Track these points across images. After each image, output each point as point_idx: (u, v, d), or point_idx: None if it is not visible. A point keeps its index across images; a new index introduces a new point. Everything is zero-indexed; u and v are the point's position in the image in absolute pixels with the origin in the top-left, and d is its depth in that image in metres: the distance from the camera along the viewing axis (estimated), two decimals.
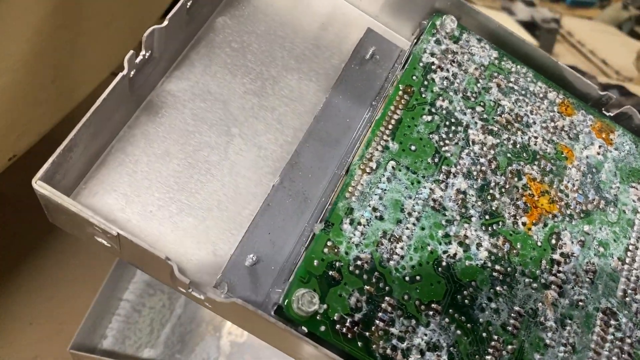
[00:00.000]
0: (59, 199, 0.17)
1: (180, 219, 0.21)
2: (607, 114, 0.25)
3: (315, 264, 0.19)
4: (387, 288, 0.19)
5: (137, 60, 0.20)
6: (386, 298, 0.19)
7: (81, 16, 0.29)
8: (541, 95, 0.24)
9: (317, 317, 0.18)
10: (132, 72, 0.20)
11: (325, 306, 0.18)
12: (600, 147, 0.24)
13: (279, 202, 0.22)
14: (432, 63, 0.23)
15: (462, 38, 0.24)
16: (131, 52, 0.19)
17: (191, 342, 0.36)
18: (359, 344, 0.18)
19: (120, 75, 0.18)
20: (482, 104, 0.23)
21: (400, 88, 0.23)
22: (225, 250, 0.21)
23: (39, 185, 0.16)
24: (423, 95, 0.23)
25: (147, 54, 0.20)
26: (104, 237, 0.18)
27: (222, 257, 0.21)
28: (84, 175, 0.20)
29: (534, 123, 0.24)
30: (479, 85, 0.24)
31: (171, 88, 0.23)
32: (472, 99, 0.23)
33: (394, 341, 0.19)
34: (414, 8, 0.26)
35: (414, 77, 0.23)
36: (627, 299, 0.22)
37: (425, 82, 0.23)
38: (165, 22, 0.20)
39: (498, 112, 0.23)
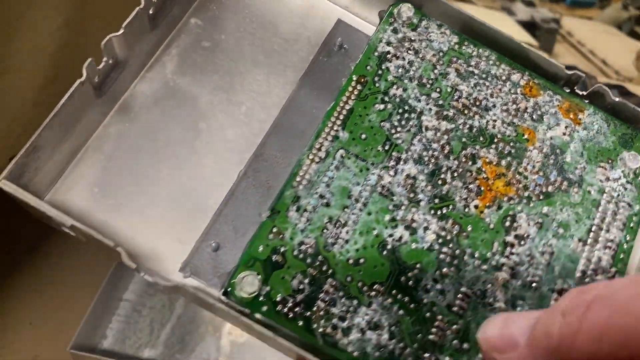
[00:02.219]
0: (21, 195, 0.19)
1: (150, 211, 0.23)
2: (581, 93, 0.25)
3: (260, 249, 0.20)
4: (330, 271, 0.20)
5: (101, 66, 0.21)
6: (329, 280, 0.20)
7: (82, 16, 0.31)
8: (504, 77, 0.24)
9: (260, 299, 0.19)
10: (97, 78, 0.22)
11: (268, 288, 0.20)
12: (566, 127, 0.24)
13: (243, 192, 0.23)
14: (388, 52, 0.24)
15: (420, 25, 0.25)
16: (89, 59, 0.21)
17: (191, 342, 0.37)
18: (300, 323, 0.19)
19: (77, 82, 0.20)
20: (438, 90, 0.23)
21: (354, 79, 0.23)
22: (191, 238, 0.23)
23: (3, 183, 0.19)
24: (376, 85, 0.23)
25: (111, 60, 0.22)
26: (65, 228, 0.20)
27: (189, 244, 0.22)
28: (62, 173, 0.23)
29: (494, 106, 0.24)
30: (435, 71, 0.24)
31: (144, 89, 0.24)
32: (428, 86, 0.23)
33: (335, 320, 0.20)
34: None
35: (368, 67, 0.23)
36: (586, 279, 0.22)
37: (380, 72, 0.23)
38: (121, 31, 0.21)
39: (455, 97, 0.23)
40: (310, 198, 0.21)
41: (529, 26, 0.61)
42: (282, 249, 0.20)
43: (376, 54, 0.24)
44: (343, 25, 0.27)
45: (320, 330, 0.19)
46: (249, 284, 0.19)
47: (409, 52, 0.24)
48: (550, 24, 0.64)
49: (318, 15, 0.27)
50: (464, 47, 0.24)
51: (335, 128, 0.22)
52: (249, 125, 0.25)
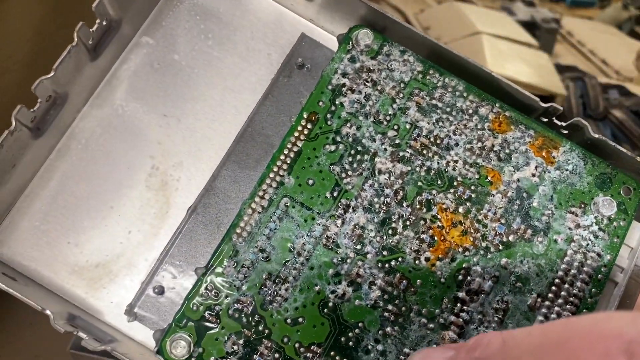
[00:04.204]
0: None
1: (96, 247, 0.22)
2: (560, 123, 0.23)
3: (194, 308, 0.20)
4: (266, 331, 0.20)
5: (36, 107, 0.21)
6: (264, 341, 0.20)
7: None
8: (470, 111, 0.22)
9: None
10: (32, 123, 0.21)
11: (200, 350, 0.19)
12: (537, 167, 0.22)
13: (191, 230, 0.23)
14: (343, 85, 0.22)
15: (382, 52, 0.22)
16: (19, 107, 0.20)
17: None
18: None
19: (5, 132, 0.19)
20: (395, 127, 0.22)
21: (304, 116, 0.22)
22: (138, 279, 0.22)
23: None
24: (328, 123, 0.22)
25: (47, 100, 0.21)
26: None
27: (134, 286, 0.22)
28: (8, 211, 0.22)
29: (456, 145, 0.22)
30: (394, 106, 0.22)
31: (87, 123, 0.23)
32: (385, 123, 0.22)
33: None
34: (348, 10, 0.24)
35: (321, 103, 0.22)
36: None
37: (333, 108, 0.22)
38: (51, 74, 0.20)
39: (413, 136, 0.22)
40: (249, 252, 0.20)
41: (529, 26, 0.61)
42: (217, 308, 0.20)
43: (330, 87, 0.22)
44: (307, 40, 0.25)
45: None
46: (180, 347, 0.19)
47: (367, 84, 0.22)
48: (550, 24, 0.63)
49: (281, 29, 0.25)
50: (428, 77, 0.22)
51: (280, 173, 0.21)
52: (200, 156, 0.24)
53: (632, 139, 0.53)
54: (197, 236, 0.23)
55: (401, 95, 0.22)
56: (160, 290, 0.22)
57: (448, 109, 0.22)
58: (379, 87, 0.22)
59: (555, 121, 0.23)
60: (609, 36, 0.58)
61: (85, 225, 0.22)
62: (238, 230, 0.20)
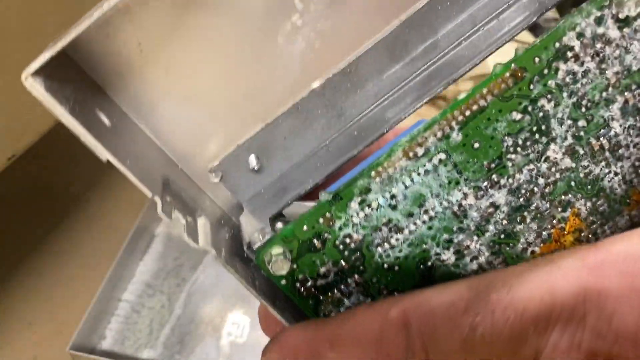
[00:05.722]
0: None
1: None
2: None
3: (304, 228, 0.19)
4: (361, 267, 0.19)
5: None
6: (355, 275, 0.19)
7: (80, 15, 0.30)
8: None
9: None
10: None
11: (294, 266, 0.19)
12: None
13: (309, 109, 0.19)
14: (571, 48, 0.19)
15: (634, 24, 0.19)
16: None
17: (191, 342, 0.36)
18: (310, 302, 0.19)
19: None
20: (589, 117, 0.20)
21: (511, 68, 0.19)
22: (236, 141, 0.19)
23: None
24: (531, 87, 0.19)
25: None
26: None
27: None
28: None
29: (628, 158, 0.20)
30: (604, 94, 0.20)
31: None
32: (584, 109, 0.20)
33: (342, 309, 0.19)
34: None
35: (537, 60, 0.19)
36: None
37: (546, 71, 0.19)
38: None
39: (599, 134, 0.20)
40: (380, 194, 0.19)
41: (531, 26, 0.62)
42: (326, 236, 0.19)
43: (558, 44, 0.19)
44: None
45: (325, 314, 0.19)
46: (278, 265, 0.18)
47: (595, 57, 0.19)
48: (551, 24, 0.65)
49: None
50: None
51: (452, 125, 0.19)
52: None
53: None
54: (313, 118, 0.19)
55: (617, 84, 0.20)
56: (254, 164, 0.19)
57: None
58: (603, 66, 0.20)
59: None
60: None
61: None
62: (379, 169, 0.19)
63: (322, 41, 0.19)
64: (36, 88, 0.16)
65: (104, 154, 0.16)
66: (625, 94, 0.19)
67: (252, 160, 0.19)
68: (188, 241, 0.17)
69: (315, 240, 0.19)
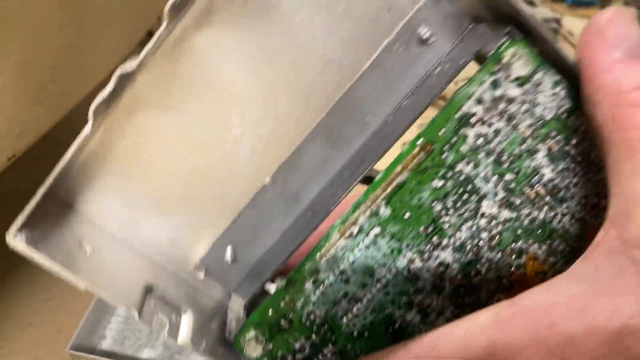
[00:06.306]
0: None
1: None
2: None
3: (269, 313, 0.20)
4: (333, 338, 0.20)
5: None
6: (330, 346, 0.20)
7: (81, 16, 0.30)
8: (602, 164, 0.19)
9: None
10: None
11: (270, 346, 0.20)
12: None
13: (266, 200, 0.22)
14: (473, 115, 0.19)
15: (532, 79, 0.19)
16: None
17: None
18: None
19: None
20: (516, 170, 0.19)
21: (418, 144, 0.19)
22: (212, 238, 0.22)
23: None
24: (443, 157, 0.19)
25: None
26: None
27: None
28: None
29: (572, 198, 0.19)
30: (523, 147, 0.19)
31: None
32: (506, 165, 0.19)
33: None
34: None
35: (442, 132, 0.19)
36: None
37: (454, 139, 0.19)
38: None
39: (531, 183, 0.19)
40: (330, 273, 0.20)
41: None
42: (291, 316, 0.20)
43: (459, 114, 0.19)
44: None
45: None
46: (251, 348, 0.20)
47: (501, 117, 0.19)
48: (551, 24, 0.65)
49: None
50: (572, 119, 0.19)
51: (377, 202, 0.19)
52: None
53: None
54: (271, 207, 0.22)
55: (535, 135, 0.19)
56: (230, 255, 0.22)
57: (579, 159, 0.19)
58: (513, 122, 0.19)
59: None
60: None
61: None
62: (322, 251, 0.20)
63: (264, 143, 0.21)
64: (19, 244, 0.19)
65: (81, 284, 0.18)
66: (547, 141, 0.19)
67: (229, 253, 0.22)
68: (169, 341, 0.20)
69: (282, 321, 0.20)
